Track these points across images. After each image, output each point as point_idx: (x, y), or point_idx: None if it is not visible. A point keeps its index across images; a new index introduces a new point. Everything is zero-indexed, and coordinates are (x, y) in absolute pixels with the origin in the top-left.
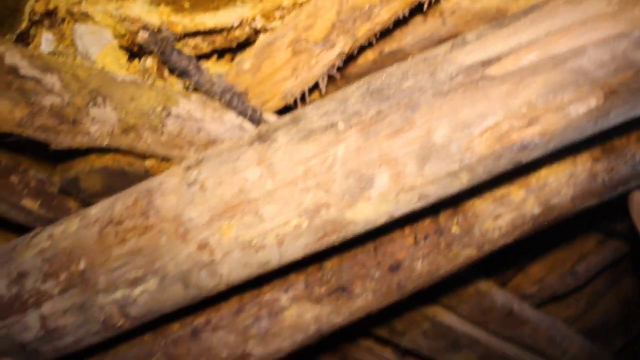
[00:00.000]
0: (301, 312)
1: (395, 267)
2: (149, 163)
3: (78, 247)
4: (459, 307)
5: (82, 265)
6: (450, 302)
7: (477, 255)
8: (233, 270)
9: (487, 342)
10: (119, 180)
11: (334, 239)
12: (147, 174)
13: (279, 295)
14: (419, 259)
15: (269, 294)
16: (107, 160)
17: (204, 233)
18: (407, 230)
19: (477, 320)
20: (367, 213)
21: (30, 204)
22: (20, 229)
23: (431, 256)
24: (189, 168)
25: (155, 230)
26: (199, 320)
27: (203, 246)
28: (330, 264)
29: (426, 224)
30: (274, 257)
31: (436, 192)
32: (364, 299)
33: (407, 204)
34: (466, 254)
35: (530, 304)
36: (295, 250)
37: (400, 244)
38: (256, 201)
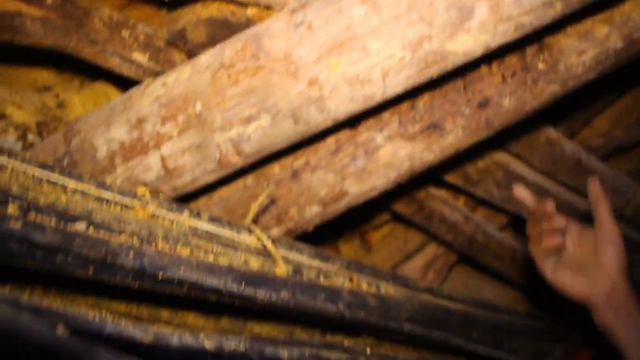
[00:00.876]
0: (395, 150)
1: (483, 104)
2: (250, 12)
3: (192, 91)
4: (531, 157)
5: (198, 107)
6: (523, 150)
7: (561, 91)
8: (340, 104)
9: (556, 192)
10: (223, 31)
11: (434, 70)
12: (248, 23)
13: (374, 134)
14: (507, 96)
15: (364, 133)
16: (212, 10)
17: (313, 70)
18: (494, 67)
19: (547, 170)
20: (467, 44)
21: (139, 57)
22: (126, 84)
23: (518, 92)
24: (294, 11)
25: (266, 70)
26: (299, 162)
27: (313, 82)
28: (422, 103)
29: (513, 61)
30: (378, 91)
31: (531, 22)
32: (455, 135)
33: (504, 34)
34: (551, 89)
35: (596, 156)
36: (399, 82)
37: (489, 81)
38: (362, 37)
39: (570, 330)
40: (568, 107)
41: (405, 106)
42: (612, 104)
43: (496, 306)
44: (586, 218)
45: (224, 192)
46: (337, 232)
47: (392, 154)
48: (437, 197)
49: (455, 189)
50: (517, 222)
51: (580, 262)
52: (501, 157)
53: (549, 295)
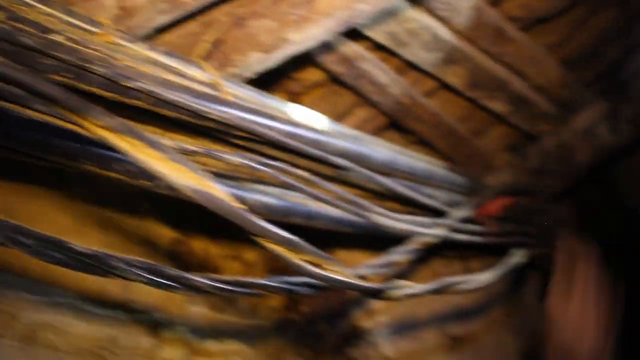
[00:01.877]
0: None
1: None
2: None
3: None
4: (455, 19)
5: None
6: (447, 14)
7: None
8: None
9: (477, 58)
10: None
11: None
12: None
13: None
14: None
15: None
16: None
17: None
18: None
19: (470, 36)
20: None
21: None
22: None
23: None
24: None
25: None
26: (244, 10)
27: None
28: None
29: None
30: None
31: None
32: None
33: None
34: None
35: (517, 26)
36: None
37: None
38: None
39: (483, 188)
40: None
41: None
42: None
43: (418, 156)
44: None
45: (171, 37)
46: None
47: (330, 3)
48: (368, 58)
49: (386, 51)
50: (444, 88)
51: None
52: (427, 19)
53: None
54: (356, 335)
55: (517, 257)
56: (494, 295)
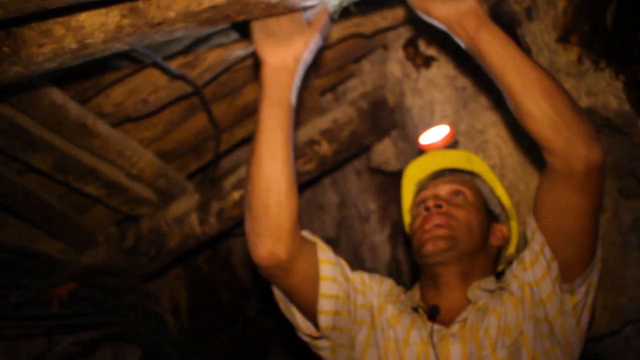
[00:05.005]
0: None
1: None
2: None
3: None
4: (35, 113)
5: None
6: (28, 108)
7: (25, 72)
8: None
9: (62, 146)
10: None
11: None
12: None
13: None
14: None
15: None
16: None
17: None
18: None
19: (53, 127)
20: None
21: None
22: None
23: None
24: None
25: None
26: None
27: None
28: None
29: None
30: None
31: None
32: None
33: None
34: (15, 70)
35: (107, 121)
36: None
37: None
38: None
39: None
40: (83, 76)
41: None
42: (127, 79)
43: None
44: None
45: None
46: None
47: None
48: None
49: None
50: (32, 170)
51: None
52: (7, 110)
53: None
54: None
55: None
56: None
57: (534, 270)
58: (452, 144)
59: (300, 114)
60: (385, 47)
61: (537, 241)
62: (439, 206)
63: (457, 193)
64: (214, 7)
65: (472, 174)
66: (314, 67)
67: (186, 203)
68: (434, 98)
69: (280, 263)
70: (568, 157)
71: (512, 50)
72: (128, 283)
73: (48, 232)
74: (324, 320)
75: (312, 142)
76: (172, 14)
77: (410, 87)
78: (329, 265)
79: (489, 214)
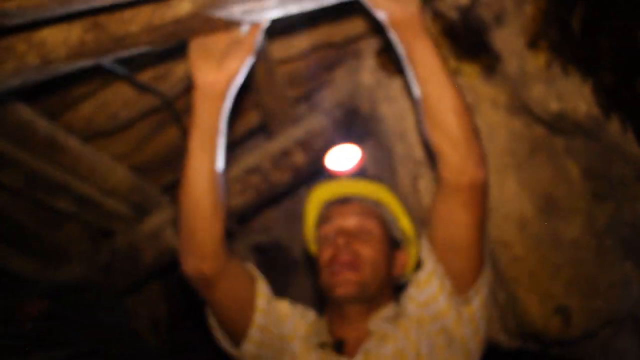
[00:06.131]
0: None
1: None
2: None
3: None
4: (3, 129)
5: None
6: None
7: None
8: None
9: (32, 163)
10: None
11: None
12: None
13: None
14: None
15: None
16: None
17: None
18: None
19: (22, 142)
20: None
21: None
22: None
23: None
24: None
25: None
26: None
27: None
28: None
29: None
30: None
31: None
32: None
33: None
34: None
35: (78, 137)
36: None
37: None
38: None
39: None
40: (51, 92)
41: None
42: (96, 94)
43: None
44: None
45: None
46: None
47: None
48: None
49: None
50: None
51: None
52: None
53: None
54: None
55: None
56: None
57: (429, 287)
58: (360, 171)
59: (275, 124)
60: (357, 56)
61: (430, 259)
62: (347, 243)
63: (362, 228)
64: (176, 22)
65: (376, 202)
66: (288, 77)
67: (161, 217)
68: (408, 105)
69: (204, 277)
70: (459, 173)
71: (439, 66)
72: (103, 299)
73: (20, 249)
74: (249, 347)
75: (286, 153)
76: (134, 28)
77: (383, 95)
78: (263, 298)
79: (391, 242)
